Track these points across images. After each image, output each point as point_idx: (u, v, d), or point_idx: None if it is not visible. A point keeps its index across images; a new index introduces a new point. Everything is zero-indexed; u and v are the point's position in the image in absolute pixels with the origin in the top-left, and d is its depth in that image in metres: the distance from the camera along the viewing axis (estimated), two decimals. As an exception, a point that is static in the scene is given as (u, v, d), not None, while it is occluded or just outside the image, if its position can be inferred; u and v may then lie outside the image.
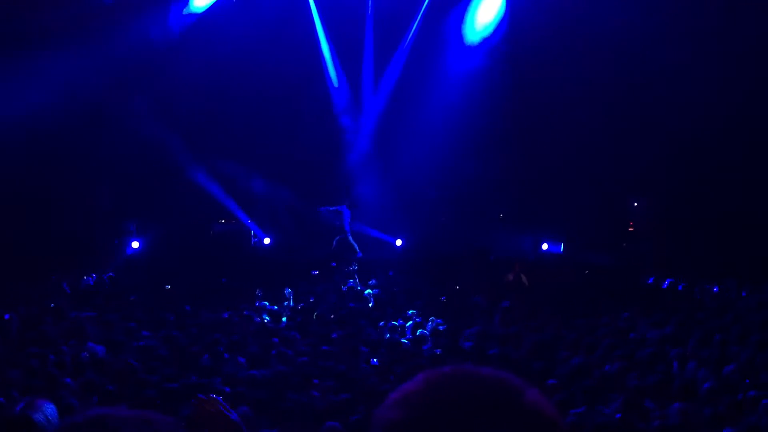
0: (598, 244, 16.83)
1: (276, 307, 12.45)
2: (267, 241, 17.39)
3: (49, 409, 3.05)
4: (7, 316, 10.26)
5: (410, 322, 11.21)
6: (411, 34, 17.83)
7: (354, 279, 14.69)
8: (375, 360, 8.91)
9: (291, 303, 12.98)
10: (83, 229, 16.18)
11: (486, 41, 17.37)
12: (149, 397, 6.53)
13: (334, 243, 16.03)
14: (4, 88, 14.00)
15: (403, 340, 10.11)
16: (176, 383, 7.05)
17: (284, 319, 11.76)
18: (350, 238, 16.07)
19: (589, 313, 11.60)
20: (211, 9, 16.93)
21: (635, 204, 18.68)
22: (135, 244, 16.72)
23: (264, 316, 11.74)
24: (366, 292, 13.55)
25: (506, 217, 18.52)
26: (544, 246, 17.59)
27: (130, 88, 15.81)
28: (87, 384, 7.14)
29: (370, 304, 12.86)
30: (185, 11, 16.87)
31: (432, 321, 11.21)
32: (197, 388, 5.96)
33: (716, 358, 8.13)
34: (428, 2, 17.50)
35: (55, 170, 15.64)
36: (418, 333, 10.25)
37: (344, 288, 14.08)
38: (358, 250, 16.05)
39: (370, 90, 18.42)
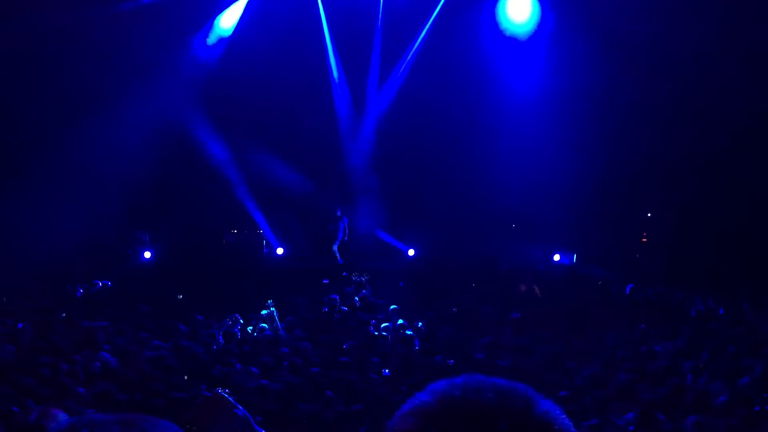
0: (611, 255, 16.71)
1: (291, 317, 12.38)
2: (280, 251, 17.38)
3: (63, 418, 3.06)
4: (20, 326, 10.33)
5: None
6: (420, 40, 17.81)
7: (366, 289, 14.64)
8: (386, 371, 8.88)
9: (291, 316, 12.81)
10: (96, 238, 16.22)
11: (501, 47, 17.31)
12: (159, 406, 6.54)
13: (336, 252, 16.37)
14: None
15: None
16: (186, 393, 7.06)
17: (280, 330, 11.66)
18: (335, 246, 16.33)
19: (601, 325, 11.52)
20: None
21: (648, 215, 18.56)
22: (147, 254, 16.77)
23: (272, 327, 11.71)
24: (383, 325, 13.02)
25: (518, 227, 18.45)
26: (556, 257, 17.51)
27: (139, 98, 15.91)
28: (99, 393, 7.16)
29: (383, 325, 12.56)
30: (212, 36, 16.98)
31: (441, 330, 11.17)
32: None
33: (730, 370, 8.04)
34: (439, 9, 17.48)
35: (64, 177, 15.72)
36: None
37: (356, 298, 14.04)
38: (339, 258, 16.35)
39: (375, 95, 18.43)
